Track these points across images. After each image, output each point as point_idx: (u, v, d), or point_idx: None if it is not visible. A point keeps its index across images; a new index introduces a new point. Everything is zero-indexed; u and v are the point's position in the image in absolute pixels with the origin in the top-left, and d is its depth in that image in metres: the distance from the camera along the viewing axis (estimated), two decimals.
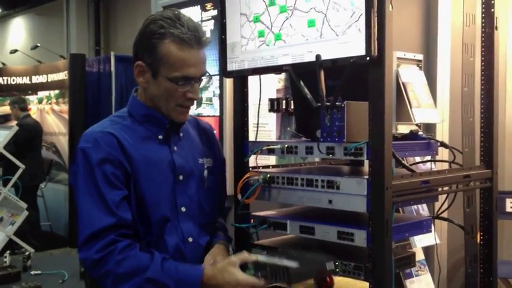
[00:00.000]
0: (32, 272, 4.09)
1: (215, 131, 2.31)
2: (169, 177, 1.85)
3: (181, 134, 1.93)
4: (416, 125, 2.12)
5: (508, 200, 4.00)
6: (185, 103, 1.83)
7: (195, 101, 1.88)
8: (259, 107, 2.00)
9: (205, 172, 1.94)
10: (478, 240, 2.13)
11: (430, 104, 2.23)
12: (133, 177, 1.78)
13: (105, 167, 1.74)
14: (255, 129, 2.04)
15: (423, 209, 3.04)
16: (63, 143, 7.61)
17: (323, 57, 1.66)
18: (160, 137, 1.87)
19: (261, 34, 1.86)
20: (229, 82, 3.84)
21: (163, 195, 1.82)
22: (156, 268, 1.71)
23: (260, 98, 2.01)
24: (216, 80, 4.19)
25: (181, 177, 1.87)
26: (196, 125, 2.05)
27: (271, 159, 3.06)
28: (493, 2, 2.08)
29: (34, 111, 8.17)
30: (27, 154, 6.42)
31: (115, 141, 1.78)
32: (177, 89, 1.79)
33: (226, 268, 1.72)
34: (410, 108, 2.12)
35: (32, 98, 8.28)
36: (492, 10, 2.08)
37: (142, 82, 1.85)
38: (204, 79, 1.90)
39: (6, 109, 7.73)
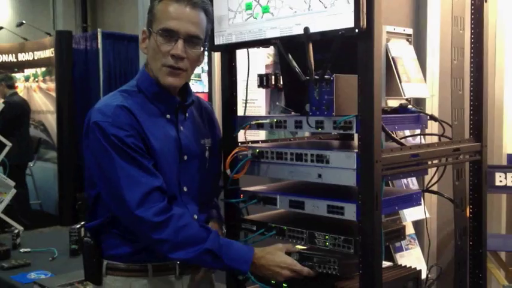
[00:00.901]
0: (22, 250, 4.08)
1: None
2: (175, 156, 1.85)
3: (187, 114, 1.93)
4: (406, 99, 2.11)
5: (497, 174, 4.03)
6: (168, 61, 1.80)
7: (184, 65, 1.82)
8: (247, 82, 1.98)
9: (207, 153, 1.95)
10: (468, 213, 2.13)
11: (420, 79, 2.22)
12: (148, 152, 1.79)
13: (130, 140, 1.74)
14: (244, 105, 2.02)
15: (413, 183, 3.05)
16: (51, 121, 7.55)
17: (311, 30, 1.63)
18: (168, 116, 1.87)
19: (249, 7, 1.83)
20: (217, 58, 3.81)
21: (171, 174, 1.83)
22: (214, 240, 1.76)
23: (248, 73, 1.99)
24: (204, 56, 4.15)
25: (185, 157, 1.87)
26: (198, 104, 2.05)
27: (261, 135, 3.05)
28: None
29: (21, 89, 8.09)
30: (15, 132, 6.38)
31: (131, 115, 1.77)
32: (161, 44, 1.78)
33: (275, 251, 1.78)
34: (400, 82, 2.11)
35: (19, 76, 8.18)
36: None
37: (143, 48, 1.88)
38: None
39: None
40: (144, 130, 1.78)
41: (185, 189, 1.87)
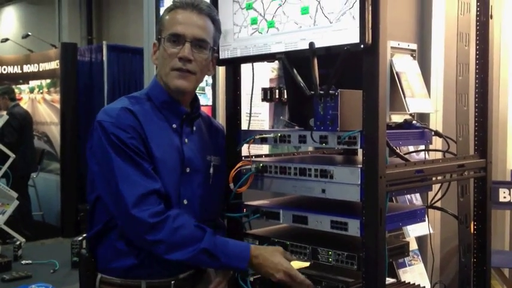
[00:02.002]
0: (23, 262, 4.07)
1: None
2: (177, 167, 1.84)
3: (194, 128, 1.93)
4: (410, 114, 2.11)
5: (501, 190, 4.01)
6: (176, 64, 1.81)
7: (192, 68, 1.83)
8: (251, 96, 1.98)
9: (211, 169, 1.93)
10: (472, 229, 2.12)
11: (424, 94, 2.22)
12: (149, 156, 1.79)
13: (131, 141, 1.75)
14: (248, 118, 2.02)
15: (416, 199, 3.04)
16: (55, 132, 7.56)
17: (317, 45, 1.64)
18: (174, 126, 1.87)
19: (254, 21, 1.83)
20: (222, 71, 3.82)
21: (170, 184, 1.82)
22: (210, 240, 1.75)
23: (253, 87, 1.99)
24: (215, 66, 4.16)
25: (188, 170, 1.87)
26: (209, 122, 2.06)
27: (264, 149, 3.04)
28: None
29: (25, 100, 8.11)
30: (19, 143, 6.38)
31: (135, 119, 1.79)
32: (169, 48, 1.81)
33: (273, 252, 1.78)
34: (404, 98, 2.11)
35: (24, 87, 8.21)
36: None
37: (154, 60, 1.91)
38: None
39: None
40: (146, 135, 1.79)
41: (185, 202, 1.86)
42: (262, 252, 1.77)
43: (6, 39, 8.63)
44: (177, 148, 1.85)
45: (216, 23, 1.88)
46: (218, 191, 1.96)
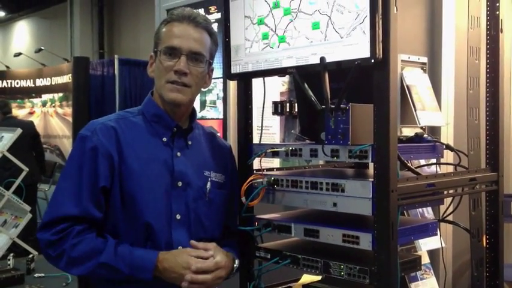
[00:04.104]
0: (36, 275, 4.09)
1: (219, 134, 2.31)
2: (165, 180, 1.84)
3: (189, 142, 1.93)
4: (421, 127, 2.11)
5: None
6: (172, 77, 1.83)
7: (188, 81, 1.84)
8: (263, 110, 2.00)
9: (208, 185, 1.92)
10: (484, 243, 2.11)
11: (435, 107, 2.22)
12: (121, 174, 1.79)
13: (94, 156, 1.78)
14: (259, 132, 2.04)
15: (428, 212, 3.03)
16: (66, 145, 7.62)
17: (327, 60, 1.65)
18: (164, 139, 1.88)
19: (265, 36, 1.85)
20: (232, 85, 3.84)
21: (156, 198, 1.82)
22: (110, 252, 1.74)
23: (264, 101, 2.00)
24: (219, 83, 4.19)
25: (180, 184, 1.86)
26: (212, 138, 2.05)
27: (275, 162, 3.05)
28: (498, 4, 2.07)
29: (38, 114, 8.19)
30: (20, 154, 6.35)
31: (113, 135, 1.81)
32: (164, 61, 1.82)
33: (181, 253, 1.77)
34: (415, 111, 2.11)
35: (36, 101, 8.30)
36: (497, 12, 2.07)
37: (151, 72, 1.92)
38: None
39: None
40: (123, 151, 1.80)
41: (178, 216, 1.84)
42: (168, 256, 1.76)
43: (20, 54, 8.74)
44: (165, 161, 1.85)
45: (213, 36, 1.90)
46: (216, 209, 1.94)
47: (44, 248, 1.77)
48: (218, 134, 2.17)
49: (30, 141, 6.92)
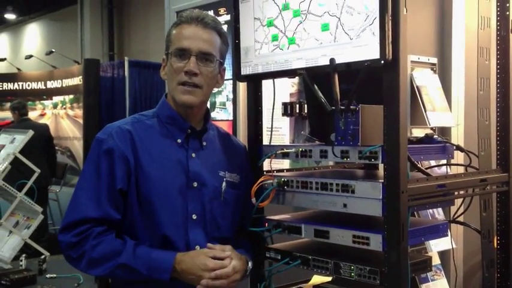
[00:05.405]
0: (48, 276, 4.10)
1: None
2: (181, 181, 1.85)
3: (204, 143, 1.94)
4: (431, 128, 2.11)
5: None
6: (182, 78, 1.84)
7: (199, 81, 1.85)
8: (273, 111, 2.00)
9: (224, 185, 1.93)
10: (495, 244, 2.11)
11: (445, 108, 2.22)
12: (137, 177, 1.81)
13: (111, 158, 1.80)
14: (269, 133, 2.04)
15: (439, 213, 3.02)
16: (77, 147, 7.67)
17: (337, 61, 1.65)
18: (179, 140, 1.89)
19: (275, 38, 1.86)
20: (242, 86, 3.84)
21: (172, 199, 1.83)
22: (128, 253, 1.76)
23: (274, 103, 2.01)
24: (229, 85, 4.20)
25: (195, 184, 1.87)
26: (227, 139, 2.06)
27: (285, 163, 3.05)
28: (508, 5, 2.07)
29: (49, 116, 8.24)
30: (33, 156, 6.42)
31: (129, 138, 1.84)
32: (175, 63, 1.84)
33: (199, 254, 1.79)
34: (425, 111, 2.11)
35: (47, 103, 8.36)
36: (507, 13, 2.07)
37: (163, 75, 1.94)
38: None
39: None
40: (138, 154, 1.82)
41: (194, 217, 1.86)
42: (186, 258, 1.77)
43: (30, 56, 8.80)
44: (180, 162, 1.87)
45: (222, 36, 1.91)
46: (232, 209, 1.95)
47: (66, 250, 1.79)
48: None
49: (44, 144, 6.99)
